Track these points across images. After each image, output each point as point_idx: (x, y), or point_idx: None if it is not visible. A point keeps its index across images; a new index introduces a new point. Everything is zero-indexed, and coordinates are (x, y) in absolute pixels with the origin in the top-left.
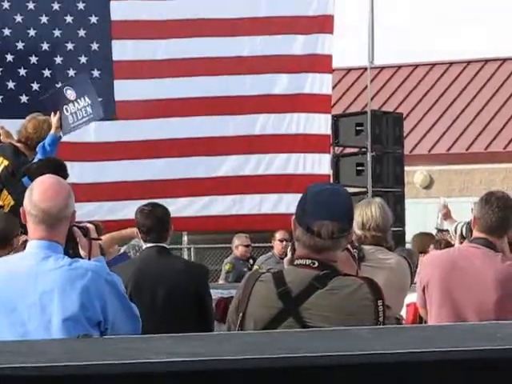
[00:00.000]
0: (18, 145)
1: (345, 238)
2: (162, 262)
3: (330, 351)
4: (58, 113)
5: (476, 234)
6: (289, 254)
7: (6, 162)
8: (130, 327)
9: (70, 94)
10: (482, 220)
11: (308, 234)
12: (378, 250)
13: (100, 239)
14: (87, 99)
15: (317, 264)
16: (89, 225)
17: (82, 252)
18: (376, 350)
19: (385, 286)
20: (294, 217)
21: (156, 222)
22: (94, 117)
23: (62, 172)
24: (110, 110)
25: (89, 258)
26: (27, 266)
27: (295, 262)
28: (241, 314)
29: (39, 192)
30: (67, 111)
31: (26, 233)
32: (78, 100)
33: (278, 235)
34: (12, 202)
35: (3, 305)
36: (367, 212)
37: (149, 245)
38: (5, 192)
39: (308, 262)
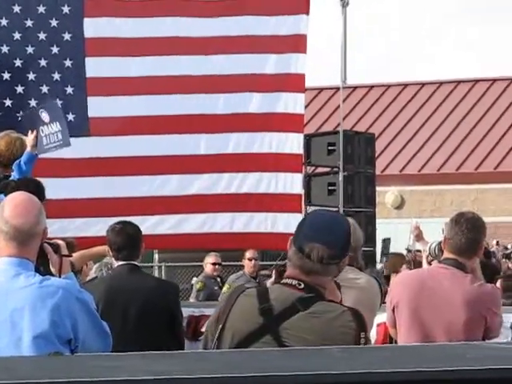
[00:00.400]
0: None
1: (335, 265)
2: (133, 280)
3: (299, 370)
4: (35, 131)
5: (446, 254)
6: (272, 277)
7: None
8: (101, 345)
9: (45, 116)
10: (452, 241)
11: (299, 254)
12: (349, 269)
13: (71, 256)
14: (58, 125)
15: (303, 286)
16: (59, 241)
17: (52, 269)
18: (343, 370)
19: (354, 306)
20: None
21: (127, 240)
22: (62, 144)
23: (40, 193)
24: (83, 127)
25: (59, 275)
26: None
27: (282, 281)
28: (220, 326)
29: (10, 208)
30: (42, 132)
31: None
32: (51, 124)
33: (248, 254)
34: None
35: None
36: None
37: (120, 262)
38: None
39: (294, 282)
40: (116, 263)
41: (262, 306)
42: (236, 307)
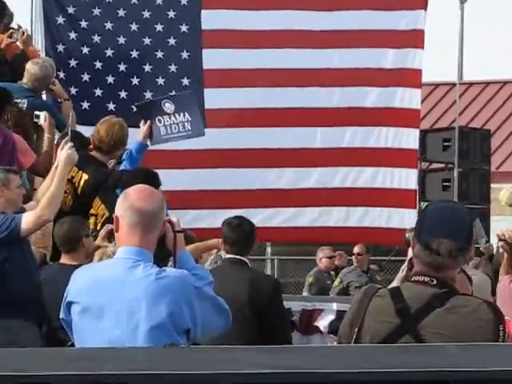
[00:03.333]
0: (94, 154)
1: (463, 256)
2: (232, 274)
3: None
4: (148, 121)
5: None
6: (404, 271)
7: (85, 176)
8: (221, 322)
9: (169, 107)
10: None
11: (426, 251)
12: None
13: (184, 232)
14: (187, 115)
15: (435, 282)
16: (173, 218)
17: (168, 245)
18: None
19: None
20: (413, 233)
21: (241, 236)
22: (192, 134)
23: (154, 181)
24: None
25: (174, 251)
26: (116, 272)
27: (413, 279)
28: (356, 329)
29: (135, 194)
30: (160, 122)
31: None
32: (176, 114)
33: (356, 249)
34: (107, 214)
35: (91, 311)
36: None
37: (228, 256)
38: (97, 201)
39: (426, 279)
40: (224, 256)
41: (398, 306)
42: (371, 309)
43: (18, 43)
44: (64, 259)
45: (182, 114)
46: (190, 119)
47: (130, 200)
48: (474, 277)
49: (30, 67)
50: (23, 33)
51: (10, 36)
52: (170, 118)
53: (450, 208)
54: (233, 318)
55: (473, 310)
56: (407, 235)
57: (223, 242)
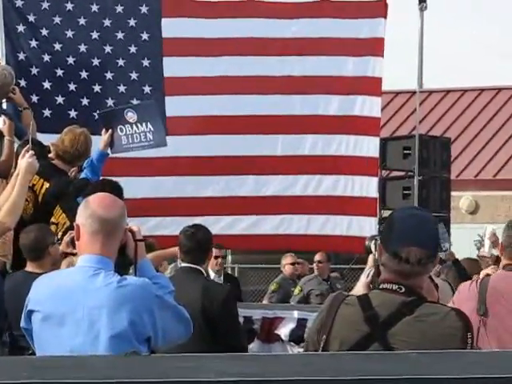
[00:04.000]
0: (55, 162)
1: (432, 263)
2: (185, 282)
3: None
4: (110, 130)
5: (505, 261)
6: (369, 277)
7: (46, 184)
8: (182, 331)
9: (131, 116)
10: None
11: (395, 259)
12: None
13: (145, 240)
14: (149, 126)
15: (404, 290)
16: (134, 227)
17: (128, 254)
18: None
19: None
20: (379, 241)
21: (196, 245)
22: (154, 144)
23: (118, 194)
24: None
25: (135, 260)
26: (77, 281)
27: (381, 286)
28: (324, 336)
29: (96, 202)
30: (122, 131)
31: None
32: (138, 124)
33: (318, 257)
34: (67, 222)
35: (52, 319)
36: None
37: (183, 265)
38: (58, 209)
39: (395, 287)
40: (180, 265)
41: (367, 314)
42: (339, 316)
43: None
44: (30, 267)
45: (144, 124)
46: (152, 129)
47: (91, 208)
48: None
49: None
50: None
51: None
52: (131, 127)
53: (417, 216)
54: None
55: (442, 317)
56: (367, 243)
57: (179, 250)
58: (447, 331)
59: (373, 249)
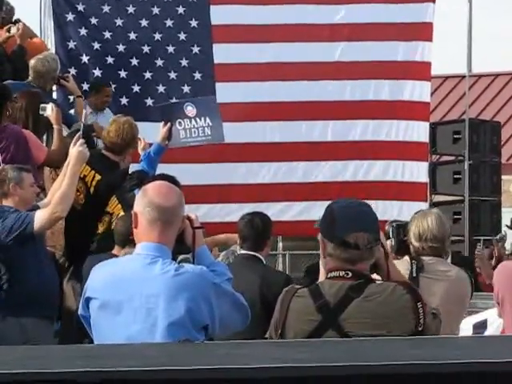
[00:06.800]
0: (106, 153)
1: (377, 247)
2: (244, 269)
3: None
4: (168, 124)
5: None
6: (322, 270)
7: (98, 177)
8: (239, 318)
9: (190, 110)
10: None
11: (342, 247)
12: (439, 261)
13: (203, 227)
14: (208, 120)
15: (350, 274)
16: (192, 215)
17: (187, 241)
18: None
19: (442, 299)
20: (319, 235)
21: (253, 231)
22: (212, 139)
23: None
24: None
25: (193, 247)
26: (134, 268)
27: (329, 275)
28: (279, 331)
29: (154, 190)
30: (180, 125)
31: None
32: (197, 118)
33: None
34: (122, 213)
35: (110, 307)
36: (423, 223)
37: (242, 252)
38: (114, 199)
39: (342, 273)
40: (238, 252)
41: (319, 303)
42: (292, 310)
43: (16, 37)
44: (116, 251)
45: (203, 119)
46: (210, 124)
47: (148, 196)
48: (451, 272)
49: (32, 64)
50: (18, 28)
51: (9, 30)
52: (190, 121)
53: (355, 204)
54: None
55: (389, 293)
56: (386, 227)
57: (238, 237)
58: (397, 305)
59: (391, 234)
